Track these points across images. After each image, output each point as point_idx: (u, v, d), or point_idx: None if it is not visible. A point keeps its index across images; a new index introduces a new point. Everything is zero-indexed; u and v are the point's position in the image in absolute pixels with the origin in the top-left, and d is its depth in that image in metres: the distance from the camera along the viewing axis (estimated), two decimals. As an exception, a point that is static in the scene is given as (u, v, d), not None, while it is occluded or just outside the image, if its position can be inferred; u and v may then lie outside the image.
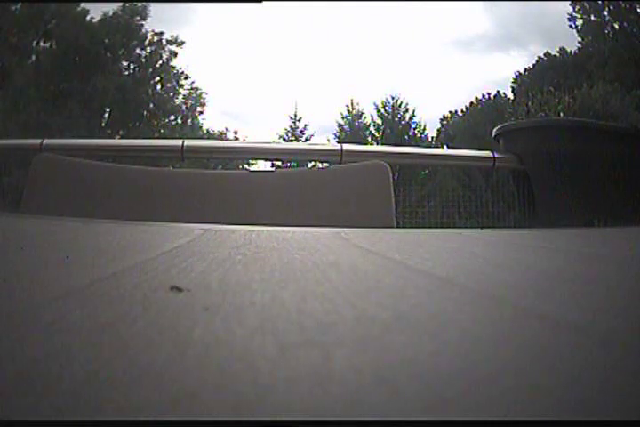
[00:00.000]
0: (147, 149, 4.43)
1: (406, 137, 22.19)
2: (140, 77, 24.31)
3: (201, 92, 26.08)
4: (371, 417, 0.20)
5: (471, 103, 25.96)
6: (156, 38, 24.80)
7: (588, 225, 3.88)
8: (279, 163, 7.55)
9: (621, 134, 4.64)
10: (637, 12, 21.45)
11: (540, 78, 21.32)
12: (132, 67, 24.68)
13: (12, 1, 20.96)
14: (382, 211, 1.69)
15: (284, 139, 21.65)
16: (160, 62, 24.87)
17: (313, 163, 5.25)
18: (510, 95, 24.52)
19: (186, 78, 25.61)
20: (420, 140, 22.39)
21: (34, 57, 22.70)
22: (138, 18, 24.14)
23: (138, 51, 24.72)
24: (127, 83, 23.47)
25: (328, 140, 22.93)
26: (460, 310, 0.39)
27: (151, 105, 24.52)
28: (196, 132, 24.94)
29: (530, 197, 4.46)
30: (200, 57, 31.35)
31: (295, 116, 22.04)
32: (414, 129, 22.82)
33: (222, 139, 24.12)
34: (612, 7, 22.00)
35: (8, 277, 0.48)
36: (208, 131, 26.04)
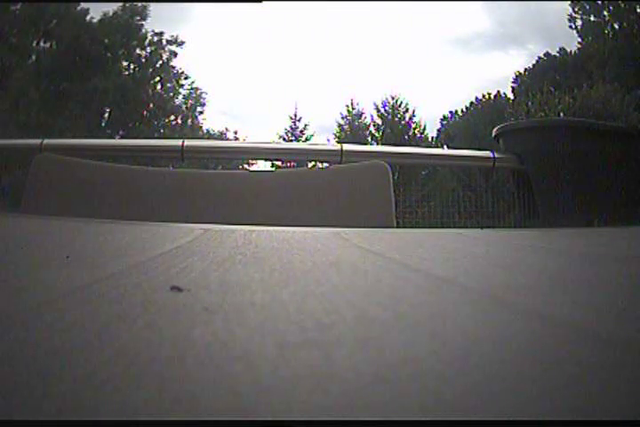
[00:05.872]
0: (147, 149, 4.43)
1: (406, 137, 22.18)
2: (139, 77, 24.30)
3: (201, 92, 26.08)
4: (371, 417, 0.20)
5: (471, 103, 25.96)
6: (155, 38, 24.81)
7: (588, 225, 3.88)
8: (279, 163, 7.55)
9: (621, 134, 4.63)
10: (637, 12, 21.43)
11: (540, 78, 21.31)
12: (132, 67, 24.67)
13: (13, 1, 20.95)
14: (382, 211, 1.69)
15: (284, 139, 21.64)
16: (160, 62, 24.86)
17: (313, 163, 5.24)
18: (510, 95, 24.53)
19: (186, 78, 25.61)
20: (420, 141, 22.39)
21: (34, 57, 22.69)
22: (138, 18, 24.14)
23: (138, 51, 24.72)
24: (127, 83, 23.46)
25: (328, 140, 22.96)
26: (459, 310, 0.39)
27: (151, 105, 24.51)
28: (196, 132, 24.93)
29: (530, 197, 4.46)
30: (200, 57, 31.40)
31: (295, 116, 22.06)
32: (414, 129, 22.81)
33: (222, 139, 24.12)
34: (611, 7, 21.98)
35: (8, 277, 0.48)
36: (208, 131, 26.06)
